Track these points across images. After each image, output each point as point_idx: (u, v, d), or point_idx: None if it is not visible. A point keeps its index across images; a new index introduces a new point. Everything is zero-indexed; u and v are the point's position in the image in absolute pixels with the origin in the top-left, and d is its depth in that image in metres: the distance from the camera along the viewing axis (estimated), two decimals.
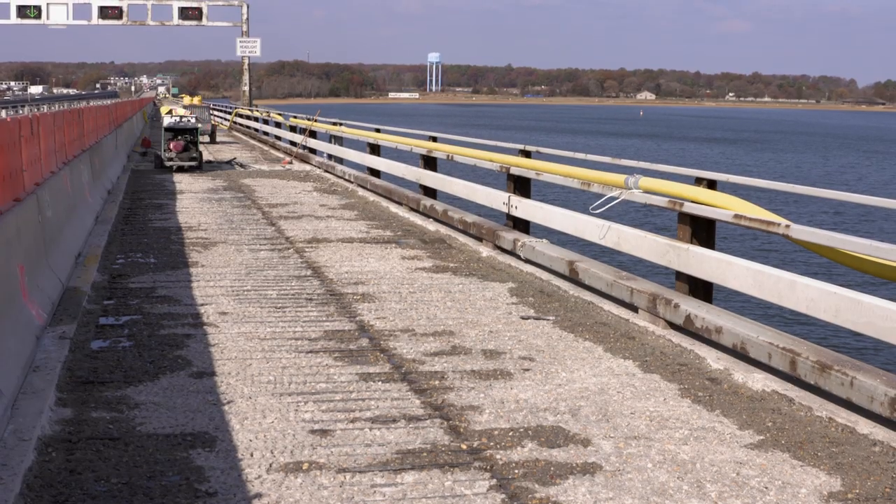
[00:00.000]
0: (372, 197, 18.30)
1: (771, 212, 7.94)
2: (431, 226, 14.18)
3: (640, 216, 25.90)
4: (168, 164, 23.66)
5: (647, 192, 9.32)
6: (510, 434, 5.47)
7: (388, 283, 9.87)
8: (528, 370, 6.78)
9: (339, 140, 25.59)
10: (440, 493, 4.66)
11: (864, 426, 5.68)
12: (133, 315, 8.25)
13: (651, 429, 5.63)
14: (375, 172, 20.82)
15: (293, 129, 32.71)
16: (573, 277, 9.79)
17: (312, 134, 29.04)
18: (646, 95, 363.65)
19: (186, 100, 41.74)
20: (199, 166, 23.98)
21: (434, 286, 9.73)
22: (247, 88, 72.09)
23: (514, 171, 12.69)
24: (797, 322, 14.19)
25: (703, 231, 8.53)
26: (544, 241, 11.20)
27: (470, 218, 13.27)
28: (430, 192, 16.79)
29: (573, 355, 7.21)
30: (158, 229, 13.60)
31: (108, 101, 38.97)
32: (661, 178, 9.55)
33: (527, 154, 13.22)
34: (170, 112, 25.79)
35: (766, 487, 4.81)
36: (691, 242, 8.47)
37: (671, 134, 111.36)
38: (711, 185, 8.72)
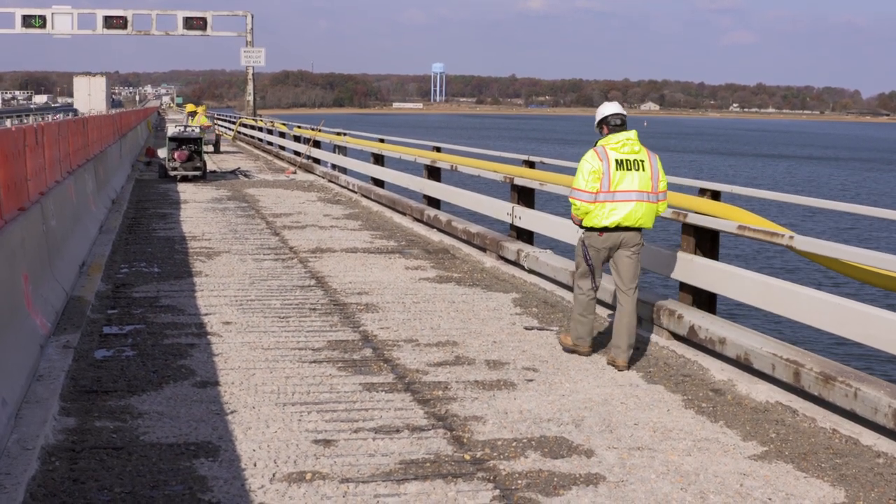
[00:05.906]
0: (376, 207, 18.32)
1: (778, 224, 7.92)
2: (435, 236, 14.19)
3: (649, 232, 25.73)
4: (172, 173, 23.71)
5: None
6: (513, 445, 5.47)
7: (392, 293, 9.87)
8: (531, 381, 6.77)
9: (342, 150, 25.62)
10: (443, 503, 4.65)
11: (868, 438, 5.67)
12: (137, 324, 8.26)
13: (654, 440, 5.62)
14: (379, 183, 20.84)
15: (297, 139, 32.75)
16: None
17: (316, 144, 29.07)
18: (650, 106, 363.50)
19: (189, 108, 41.76)
20: (203, 176, 24.02)
21: (438, 296, 9.73)
22: (251, 98, 72.29)
23: (517, 181, 12.69)
24: (801, 333, 14.16)
25: (706, 242, 8.52)
26: (548, 251, 11.21)
27: (474, 228, 13.28)
28: (434, 203, 16.81)
29: (577, 366, 7.21)
30: (162, 239, 13.62)
31: (113, 111, 39.04)
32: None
33: (530, 164, 13.23)
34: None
35: (770, 499, 4.80)
36: (695, 253, 8.46)
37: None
38: (715, 195, 8.71)
